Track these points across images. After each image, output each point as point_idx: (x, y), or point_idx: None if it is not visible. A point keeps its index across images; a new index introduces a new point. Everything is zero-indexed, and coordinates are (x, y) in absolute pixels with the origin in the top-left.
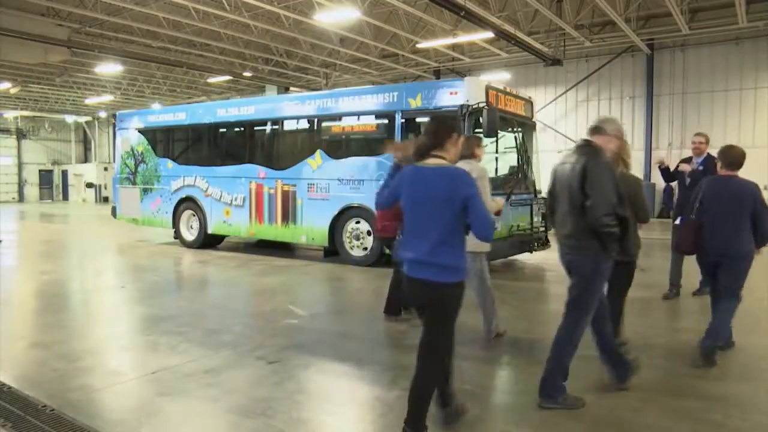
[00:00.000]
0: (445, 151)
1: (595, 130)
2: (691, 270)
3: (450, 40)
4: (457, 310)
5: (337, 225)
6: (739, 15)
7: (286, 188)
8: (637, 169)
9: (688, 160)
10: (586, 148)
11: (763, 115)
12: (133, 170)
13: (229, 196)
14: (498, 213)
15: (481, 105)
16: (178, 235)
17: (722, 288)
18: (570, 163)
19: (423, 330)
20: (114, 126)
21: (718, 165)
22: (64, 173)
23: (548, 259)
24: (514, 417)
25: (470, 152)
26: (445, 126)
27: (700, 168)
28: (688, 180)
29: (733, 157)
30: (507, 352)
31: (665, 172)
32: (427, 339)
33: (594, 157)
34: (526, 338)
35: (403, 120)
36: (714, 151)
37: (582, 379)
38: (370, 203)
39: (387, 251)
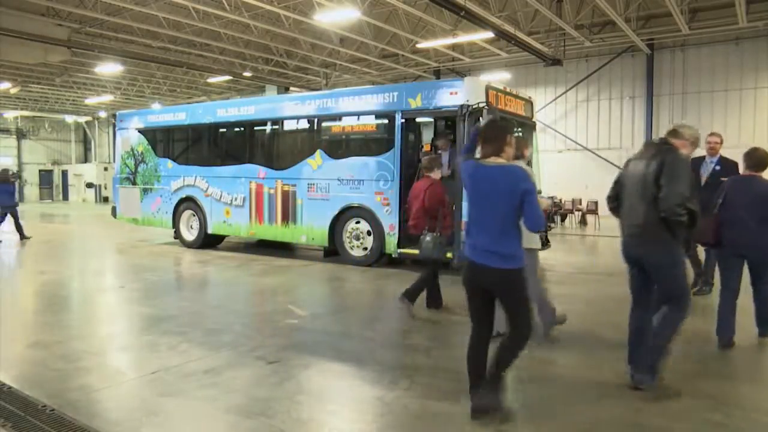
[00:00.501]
0: (504, 152)
1: (673, 133)
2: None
3: (450, 40)
4: (524, 291)
5: (337, 225)
6: (739, 15)
7: (286, 188)
8: None
9: (700, 160)
10: (664, 146)
11: (763, 115)
12: (133, 170)
13: (229, 196)
14: (545, 210)
15: (481, 105)
16: (178, 235)
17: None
18: (645, 158)
19: (504, 313)
20: (114, 126)
21: (742, 165)
22: (64, 173)
23: (548, 259)
24: (514, 415)
25: (520, 152)
26: (503, 131)
27: (717, 167)
28: (704, 179)
29: (758, 158)
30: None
31: None
32: (510, 319)
33: (672, 153)
34: None
35: (403, 120)
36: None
37: (583, 378)
38: (370, 203)
39: (390, 251)
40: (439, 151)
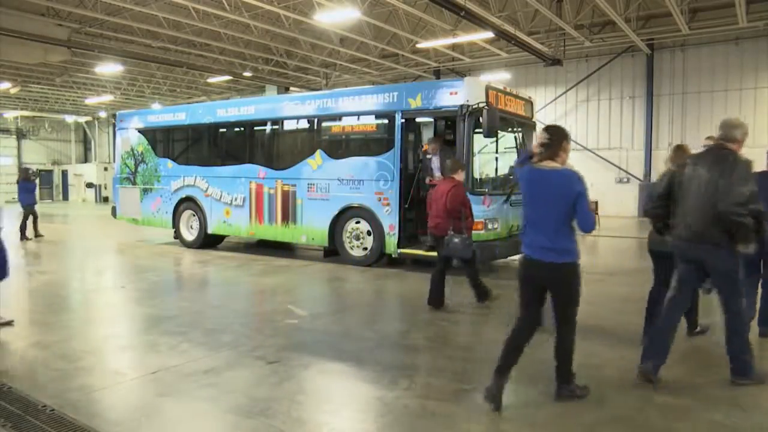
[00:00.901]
0: (559, 157)
1: (728, 137)
2: None
3: (450, 40)
4: (578, 285)
5: (337, 225)
6: (739, 15)
7: (286, 188)
8: (637, 169)
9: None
10: (723, 150)
11: (763, 115)
12: (133, 170)
13: (229, 196)
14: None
15: (481, 105)
16: (178, 235)
17: None
18: (707, 163)
19: (554, 306)
20: (114, 126)
21: None
22: (64, 173)
23: None
24: (512, 417)
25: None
26: (559, 136)
27: None
28: None
29: None
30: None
31: None
32: (561, 313)
33: (732, 155)
34: None
35: (403, 120)
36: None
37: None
38: (370, 203)
39: (390, 252)
40: (428, 155)
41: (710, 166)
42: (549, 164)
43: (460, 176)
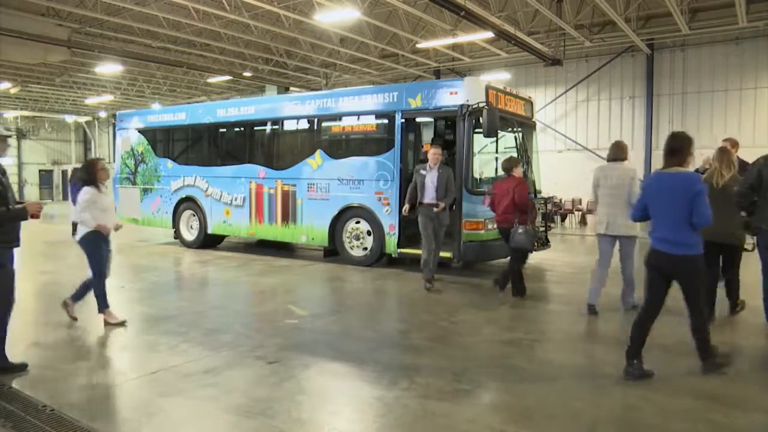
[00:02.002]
0: (686, 162)
1: None
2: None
3: (450, 40)
4: (702, 275)
5: (337, 225)
6: (739, 15)
7: (286, 188)
8: (637, 169)
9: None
10: None
11: (763, 115)
12: (133, 170)
13: (229, 196)
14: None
15: (481, 105)
16: (178, 235)
17: None
18: None
19: (683, 294)
20: (114, 126)
21: None
22: (64, 173)
23: (547, 259)
24: (512, 417)
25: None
26: (688, 144)
27: None
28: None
29: None
30: (504, 352)
31: None
32: (686, 299)
33: None
34: (527, 338)
35: (403, 120)
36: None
37: (583, 377)
38: (370, 203)
39: (390, 251)
40: (424, 171)
41: None
42: (675, 169)
43: (518, 172)
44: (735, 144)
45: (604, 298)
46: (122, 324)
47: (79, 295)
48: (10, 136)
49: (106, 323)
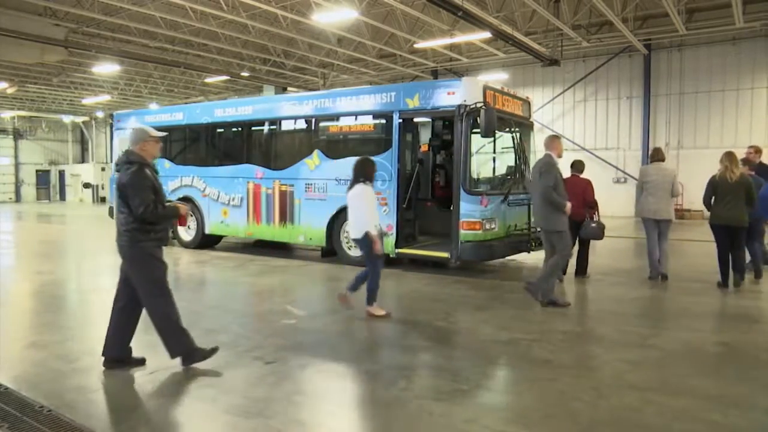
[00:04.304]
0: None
1: None
2: (689, 267)
3: (447, 41)
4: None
5: (334, 225)
6: (735, 15)
7: (283, 188)
8: (634, 169)
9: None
10: None
11: (760, 116)
12: None
13: (226, 196)
14: None
15: (478, 105)
16: (175, 235)
17: None
18: None
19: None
20: (111, 126)
21: None
22: (61, 173)
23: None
24: (510, 417)
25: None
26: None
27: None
28: None
29: None
30: (502, 353)
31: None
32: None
33: None
34: (525, 339)
35: (401, 120)
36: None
37: (582, 377)
38: None
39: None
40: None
41: None
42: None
43: (584, 174)
44: (759, 150)
45: (603, 297)
46: (387, 316)
47: (354, 286)
48: None
49: (370, 315)
